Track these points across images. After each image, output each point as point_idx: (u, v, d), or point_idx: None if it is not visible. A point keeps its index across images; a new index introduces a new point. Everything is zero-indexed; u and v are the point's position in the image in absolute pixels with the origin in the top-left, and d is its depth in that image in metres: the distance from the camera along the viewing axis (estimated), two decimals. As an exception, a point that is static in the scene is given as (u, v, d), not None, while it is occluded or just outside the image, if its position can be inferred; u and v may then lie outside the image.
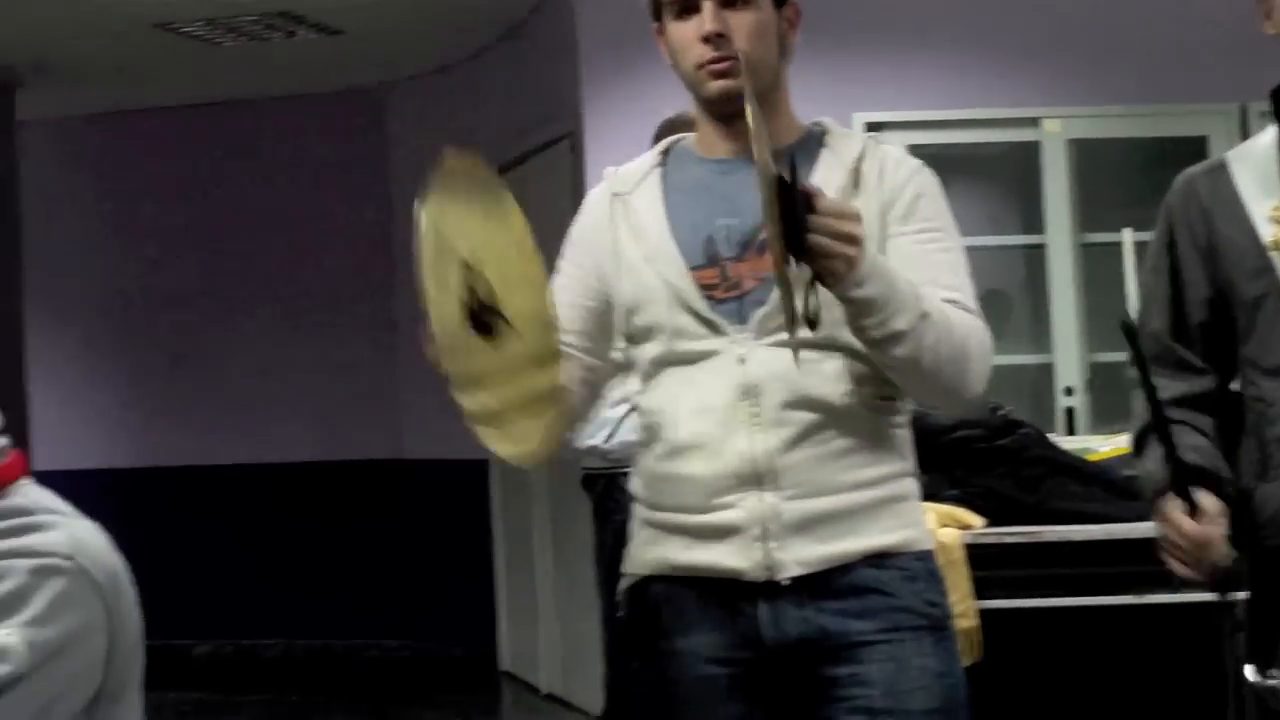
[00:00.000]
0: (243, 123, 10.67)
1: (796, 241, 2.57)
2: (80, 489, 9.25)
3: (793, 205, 2.55)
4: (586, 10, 7.60)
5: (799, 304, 2.62)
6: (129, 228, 10.85)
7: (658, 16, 2.96)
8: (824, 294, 2.67)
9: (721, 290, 2.88)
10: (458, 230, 2.65)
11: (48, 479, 7.09)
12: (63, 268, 10.73)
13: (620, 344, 3.04)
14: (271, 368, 10.61)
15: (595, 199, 3.10)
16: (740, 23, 2.85)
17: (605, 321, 3.03)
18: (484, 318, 2.63)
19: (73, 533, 1.69)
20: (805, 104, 3.02)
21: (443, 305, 2.60)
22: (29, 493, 1.78)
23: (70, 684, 1.65)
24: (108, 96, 10.32)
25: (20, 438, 8.13)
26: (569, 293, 3.03)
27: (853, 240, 2.61)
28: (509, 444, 2.78)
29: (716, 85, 2.89)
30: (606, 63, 7.48)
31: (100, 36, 8.62)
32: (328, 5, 8.29)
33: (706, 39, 2.85)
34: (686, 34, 2.89)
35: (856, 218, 2.65)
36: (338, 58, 9.48)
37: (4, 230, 9.40)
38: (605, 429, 5.64)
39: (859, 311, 2.68)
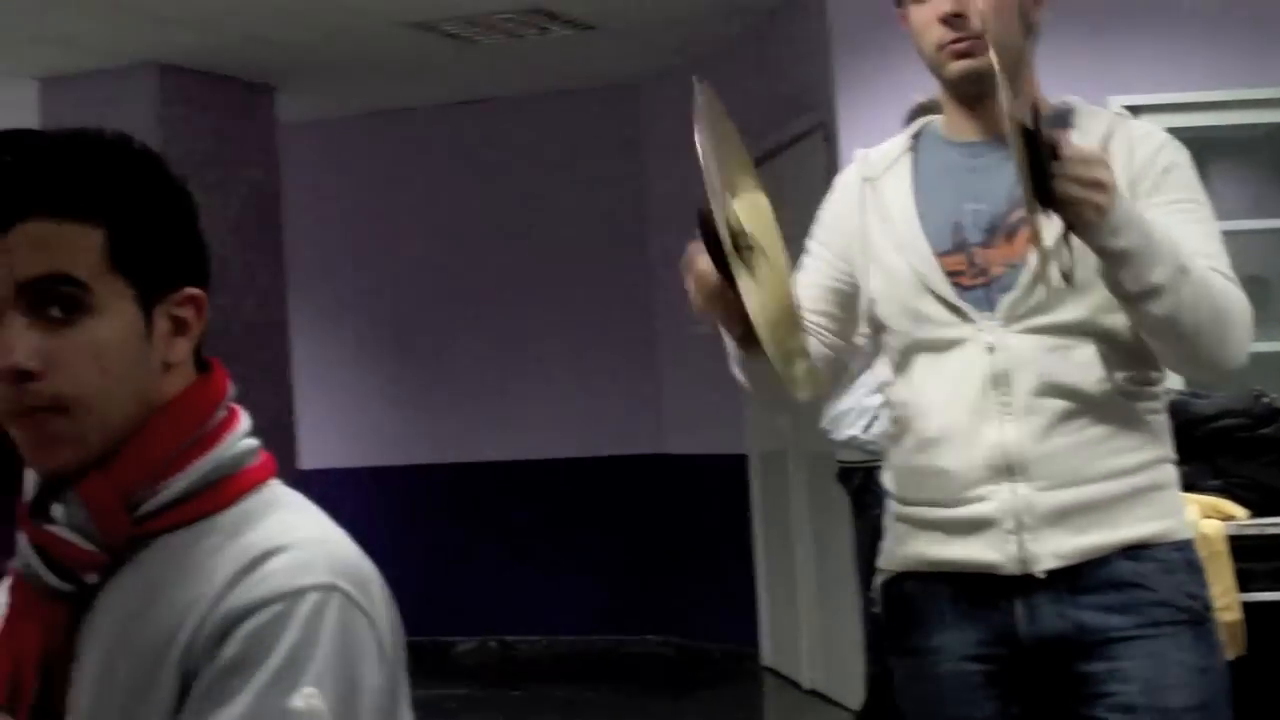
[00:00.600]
0: (498, 121, 10.76)
1: (1045, 190, 2.52)
2: (346, 487, 9.46)
3: (1039, 154, 2.51)
4: (838, -1, 7.54)
5: (1050, 258, 2.57)
6: (389, 227, 11.01)
7: (899, 1, 2.94)
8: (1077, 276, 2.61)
9: (969, 277, 2.85)
10: (718, 161, 2.62)
11: (314, 477, 7.23)
12: (323, 268, 10.94)
13: (866, 330, 3.04)
14: (533, 364, 10.69)
15: (845, 182, 3.09)
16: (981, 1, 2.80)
17: (851, 304, 3.02)
18: (741, 247, 2.59)
19: (325, 549, 1.68)
20: (1060, 87, 2.98)
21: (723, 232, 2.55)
22: (276, 494, 1.77)
23: (367, 713, 1.65)
24: (365, 97, 10.48)
25: (287, 437, 8.34)
26: (816, 273, 3.04)
27: (1101, 187, 2.55)
28: (795, 379, 2.73)
29: (957, 66, 2.86)
30: (858, 51, 7.40)
31: (357, 37, 8.75)
32: (581, 2, 8.32)
33: (945, 20, 2.83)
34: (925, 16, 2.87)
35: (1104, 164, 2.59)
36: (591, 54, 9.51)
37: (267, 232, 9.59)
38: (864, 418, 5.58)
39: (1114, 263, 2.61)
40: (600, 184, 10.60)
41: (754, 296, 2.56)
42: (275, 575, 1.65)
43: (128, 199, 1.72)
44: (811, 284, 2.99)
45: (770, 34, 8.73)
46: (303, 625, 1.62)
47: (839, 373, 3.16)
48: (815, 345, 2.95)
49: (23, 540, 1.74)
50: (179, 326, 1.75)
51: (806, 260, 3.06)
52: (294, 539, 1.69)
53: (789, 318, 2.77)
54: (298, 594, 1.63)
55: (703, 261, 2.61)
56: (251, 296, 9.25)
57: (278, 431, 9.18)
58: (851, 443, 5.63)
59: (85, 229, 1.69)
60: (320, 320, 10.94)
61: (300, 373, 9.98)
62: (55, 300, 1.68)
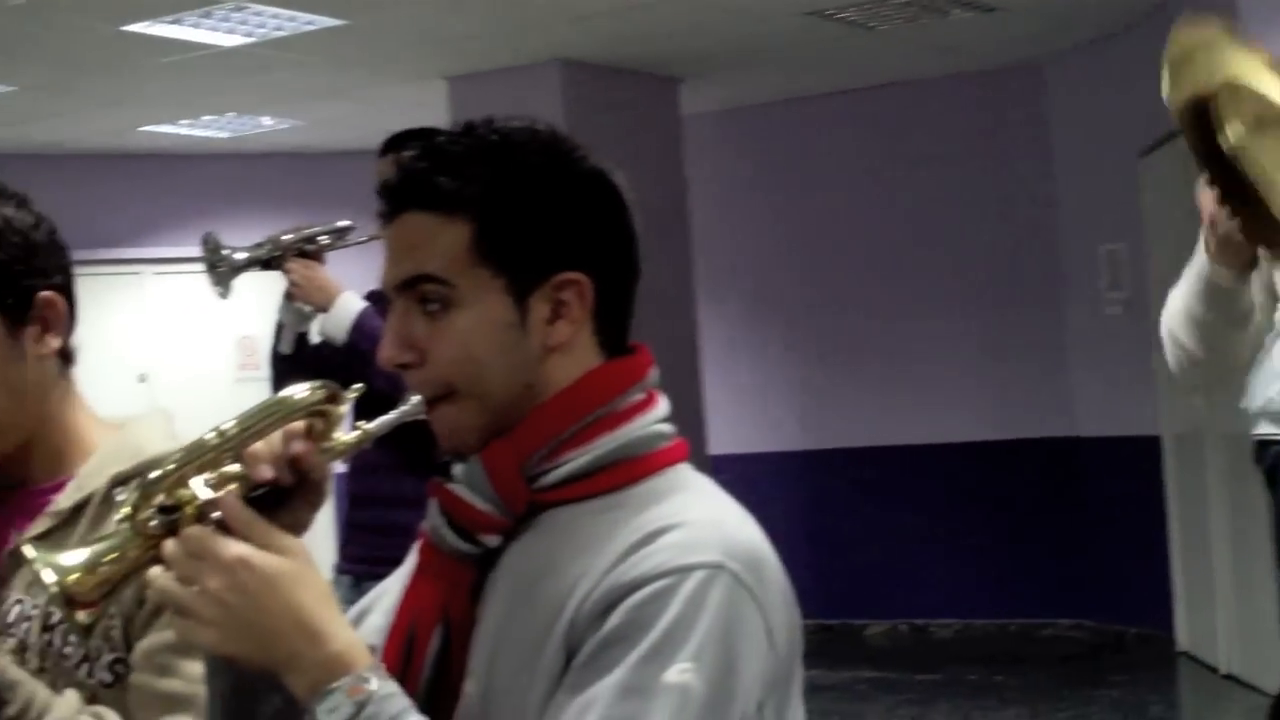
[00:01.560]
0: (898, 105, 10.73)
1: None
2: (755, 472, 9.54)
3: None
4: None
5: None
6: (793, 214, 11.07)
7: None
8: None
9: None
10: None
11: (723, 463, 7.34)
12: (729, 256, 11.06)
13: None
14: (940, 347, 10.63)
15: None
16: None
17: None
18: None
19: (718, 529, 1.71)
20: None
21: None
22: (684, 477, 1.81)
23: (745, 695, 1.67)
24: (765, 86, 10.55)
25: (697, 422, 8.46)
26: None
27: None
28: None
29: None
30: (1271, 21, 7.17)
31: (755, 27, 8.83)
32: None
33: None
34: None
35: None
36: (992, 35, 9.42)
37: (674, 224, 9.74)
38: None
39: None
40: (1005, 165, 10.49)
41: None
42: (664, 551, 1.67)
43: (497, 190, 1.77)
44: None
45: (1176, 9, 8.52)
46: (685, 601, 1.63)
47: None
48: None
49: (432, 503, 1.82)
50: (559, 310, 1.78)
51: None
52: (689, 518, 1.70)
53: None
54: (685, 571, 1.65)
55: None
56: (659, 286, 9.36)
57: (687, 417, 9.29)
58: (1264, 412, 5.47)
59: (453, 222, 1.76)
60: (727, 307, 11.06)
61: (708, 359, 10.12)
62: (426, 296, 1.77)
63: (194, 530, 1.67)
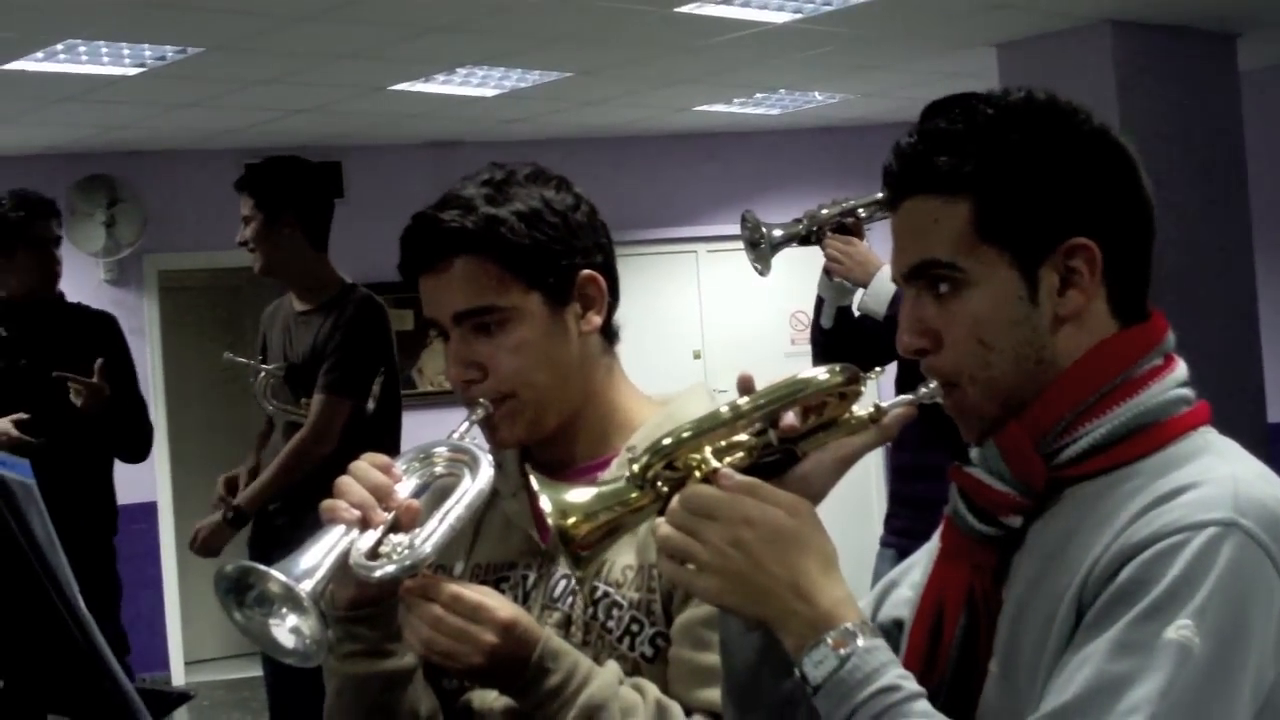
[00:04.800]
0: None
1: None
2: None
3: None
4: None
5: None
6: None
7: None
8: None
9: None
10: None
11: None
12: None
13: None
14: None
15: None
16: None
17: None
18: None
19: (1235, 486, 1.64)
20: None
21: None
22: (1207, 440, 1.75)
23: (1258, 661, 1.59)
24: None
25: (1255, 388, 8.14)
26: None
27: None
28: None
29: None
30: None
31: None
32: None
33: None
34: None
35: None
36: None
37: (1231, 182, 9.44)
38: None
39: None
40: None
41: None
42: (1176, 509, 1.63)
43: (994, 165, 1.75)
44: None
45: None
46: (1192, 559, 1.58)
47: None
48: None
49: (953, 487, 1.83)
50: (1070, 279, 1.75)
51: None
52: (1207, 478, 1.66)
53: None
54: (1195, 528, 1.60)
55: None
56: (1215, 247, 9.11)
57: (1244, 384, 9.02)
58: None
59: (955, 203, 1.76)
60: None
61: (1267, 322, 9.75)
62: (937, 279, 1.77)
63: (699, 487, 1.73)
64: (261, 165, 5.61)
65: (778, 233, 4.66)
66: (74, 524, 5.37)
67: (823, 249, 4.62)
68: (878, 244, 4.80)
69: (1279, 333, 10.18)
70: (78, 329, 5.84)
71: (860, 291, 4.58)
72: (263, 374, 5.54)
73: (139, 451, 5.96)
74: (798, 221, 4.68)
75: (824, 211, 4.66)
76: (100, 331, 5.87)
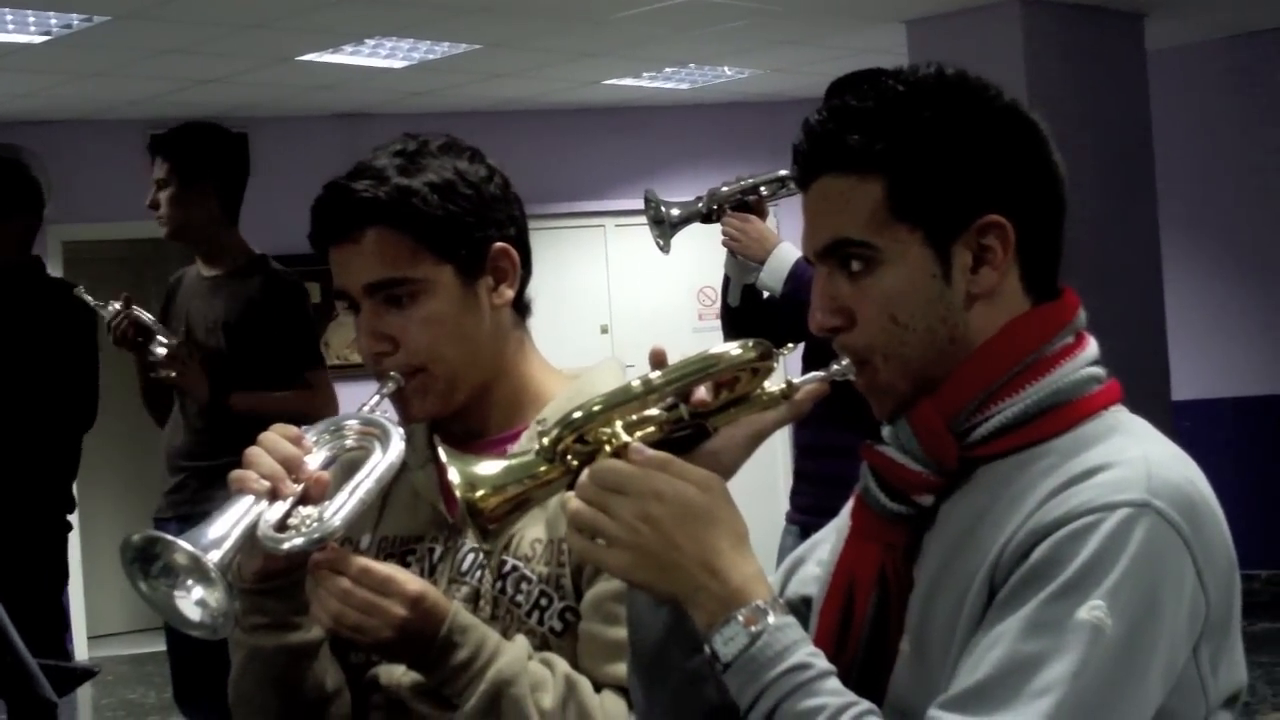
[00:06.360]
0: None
1: None
2: (1217, 419, 9.25)
3: None
4: None
5: None
6: (1261, 151, 10.64)
7: None
8: None
9: None
10: None
11: (1185, 409, 7.16)
12: (1192, 193, 10.70)
13: None
14: None
15: None
16: None
17: None
18: None
19: (1148, 468, 1.64)
20: None
21: None
22: (1118, 419, 1.75)
23: (1169, 641, 1.60)
24: (1231, 20, 10.18)
25: (1160, 368, 8.27)
26: None
27: None
28: None
29: None
30: None
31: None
32: None
33: None
34: None
35: None
36: None
37: (1138, 162, 9.53)
38: None
39: None
40: None
41: None
42: (1089, 490, 1.63)
43: (905, 142, 1.74)
44: None
45: None
46: (1105, 539, 1.59)
47: None
48: None
49: (864, 465, 1.82)
50: (983, 257, 1.75)
51: None
52: (1119, 459, 1.66)
53: None
54: (1108, 509, 1.60)
55: None
56: (1121, 227, 9.19)
57: (1150, 361, 9.10)
58: None
59: (866, 181, 1.75)
60: (1191, 248, 10.72)
61: (1172, 302, 9.84)
62: (849, 258, 1.76)
63: (610, 462, 1.72)
64: (180, 129, 5.50)
65: (676, 211, 4.67)
66: (26, 501, 5.32)
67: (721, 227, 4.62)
68: (786, 222, 4.81)
69: (1183, 312, 10.29)
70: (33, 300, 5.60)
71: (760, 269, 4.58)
72: (113, 318, 5.37)
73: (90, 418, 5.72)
74: (698, 200, 4.69)
75: (724, 189, 4.67)
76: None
